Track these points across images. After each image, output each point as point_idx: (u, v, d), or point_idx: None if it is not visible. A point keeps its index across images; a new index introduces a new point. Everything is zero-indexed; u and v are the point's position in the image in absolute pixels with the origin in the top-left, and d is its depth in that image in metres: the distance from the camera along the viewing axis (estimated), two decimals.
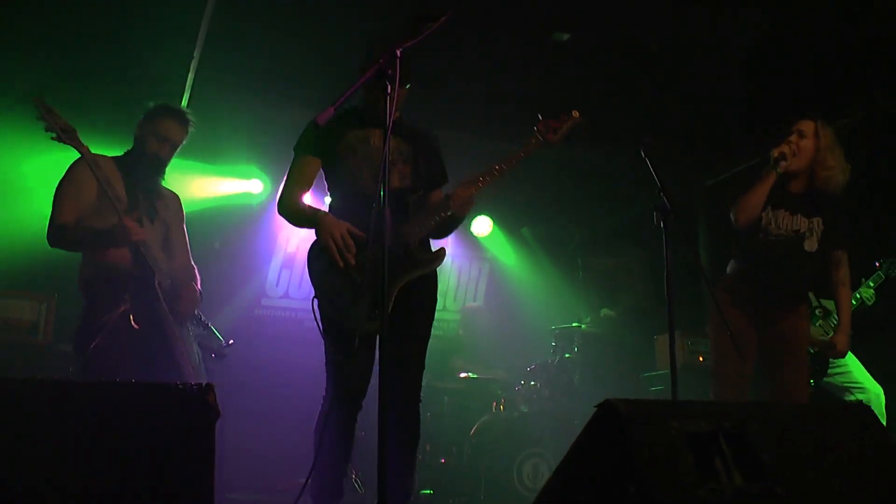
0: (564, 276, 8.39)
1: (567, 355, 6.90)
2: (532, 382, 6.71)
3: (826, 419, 2.42)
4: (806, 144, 4.22)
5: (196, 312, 3.93)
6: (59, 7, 4.78)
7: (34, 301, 4.98)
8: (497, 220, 8.49)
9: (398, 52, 2.76)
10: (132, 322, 3.40)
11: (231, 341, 4.23)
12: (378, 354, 2.66)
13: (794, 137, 4.23)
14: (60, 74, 5.01)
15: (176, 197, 4.13)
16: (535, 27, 5.65)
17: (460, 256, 8.68)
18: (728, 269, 4.37)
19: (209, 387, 1.92)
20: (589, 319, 7.36)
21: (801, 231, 4.22)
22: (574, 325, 7.12)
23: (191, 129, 4.00)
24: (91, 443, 1.87)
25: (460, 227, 3.75)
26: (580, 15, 5.51)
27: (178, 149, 3.98)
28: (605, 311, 7.88)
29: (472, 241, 8.60)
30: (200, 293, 3.93)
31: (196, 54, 5.16)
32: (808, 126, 4.28)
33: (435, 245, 3.60)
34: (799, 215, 4.21)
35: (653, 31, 5.71)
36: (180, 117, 3.97)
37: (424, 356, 3.54)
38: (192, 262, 4.09)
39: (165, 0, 4.73)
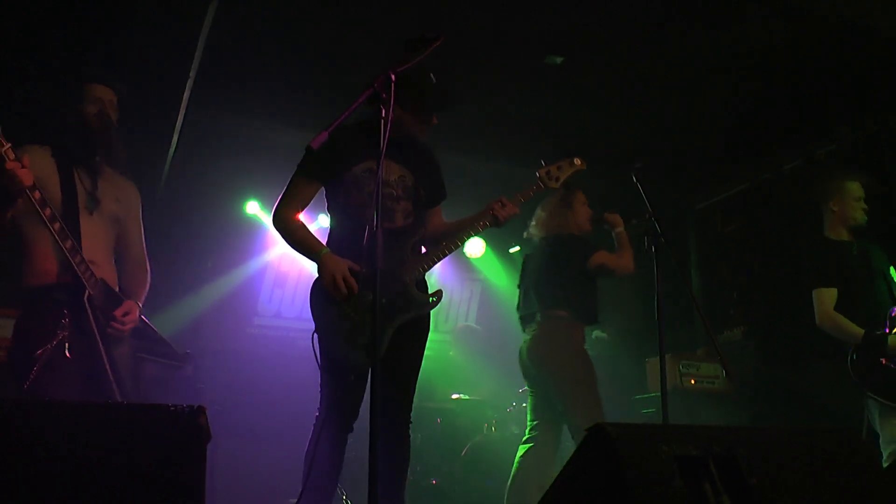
0: None
1: None
2: (524, 404, 6.69)
3: (815, 444, 2.42)
4: None
5: (140, 321, 3.48)
6: (49, 25, 4.78)
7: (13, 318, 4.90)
8: (489, 241, 8.50)
9: (392, 76, 2.78)
10: (66, 352, 3.05)
11: (188, 350, 3.80)
12: (370, 383, 2.70)
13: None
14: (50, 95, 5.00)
15: (131, 186, 3.67)
16: (528, 50, 5.69)
17: (452, 277, 8.68)
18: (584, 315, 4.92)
19: (200, 409, 1.92)
20: None
21: None
22: None
23: (119, 90, 3.52)
24: (80, 465, 1.86)
25: None
26: (573, 38, 5.56)
27: (115, 114, 3.49)
28: (596, 333, 7.86)
29: (465, 262, 8.61)
30: (140, 302, 3.52)
31: (192, 74, 5.17)
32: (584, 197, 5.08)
33: (432, 285, 3.62)
34: None
35: (646, 55, 5.76)
36: (110, 84, 3.52)
37: (415, 384, 3.58)
38: (146, 260, 3.68)
39: (162, 20, 4.74)
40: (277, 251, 7.54)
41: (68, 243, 3.11)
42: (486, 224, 3.54)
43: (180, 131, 5.73)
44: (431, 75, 3.44)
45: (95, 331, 3.12)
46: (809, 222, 6.70)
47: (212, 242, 6.95)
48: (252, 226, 7.22)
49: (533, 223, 5.10)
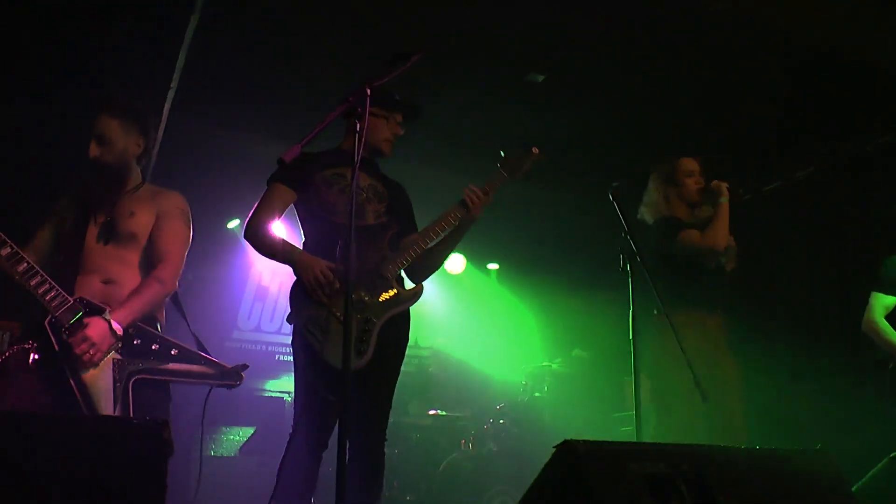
0: (537, 316, 8.40)
1: (537, 394, 6.89)
2: (501, 421, 6.68)
3: (785, 464, 2.42)
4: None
5: (131, 335, 3.18)
6: (30, 36, 4.76)
7: None
8: (470, 257, 8.50)
9: (368, 90, 2.78)
10: (29, 361, 2.96)
11: (246, 364, 3.40)
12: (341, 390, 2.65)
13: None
14: (31, 107, 4.96)
15: (156, 197, 3.49)
16: (509, 68, 5.71)
17: (433, 293, 8.66)
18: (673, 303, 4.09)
19: (164, 423, 1.89)
20: (560, 359, 7.35)
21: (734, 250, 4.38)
22: (545, 364, 7.13)
23: (132, 124, 3.40)
24: (40, 477, 1.83)
25: None
26: (554, 57, 5.59)
27: (126, 144, 3.38)
28: (576, 352, 7.87)
29: (445, 279, 8.60)
30: (114, 321, 3.12)
31: (173, 86, 5.15)
32: (695, 164, 4.46)
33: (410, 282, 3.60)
34: None
35: (626, 77, 5.79)
36: (114, 110, 3.38)
37: (392, 395, 3.52)
38: (162, 265, 3.36)
39: (143, 31, 4.72)
40: (259, 265, 7.51)
41: (32, 280, 3.04)
42: (458, 215, 3.50)
43: (160, 143, 5.68)
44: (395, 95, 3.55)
45: (58, 353, 2.99)
46: (789, 245, 6.79)
47: (191, 255, 6.89)
48: (233, 239, 7.19)
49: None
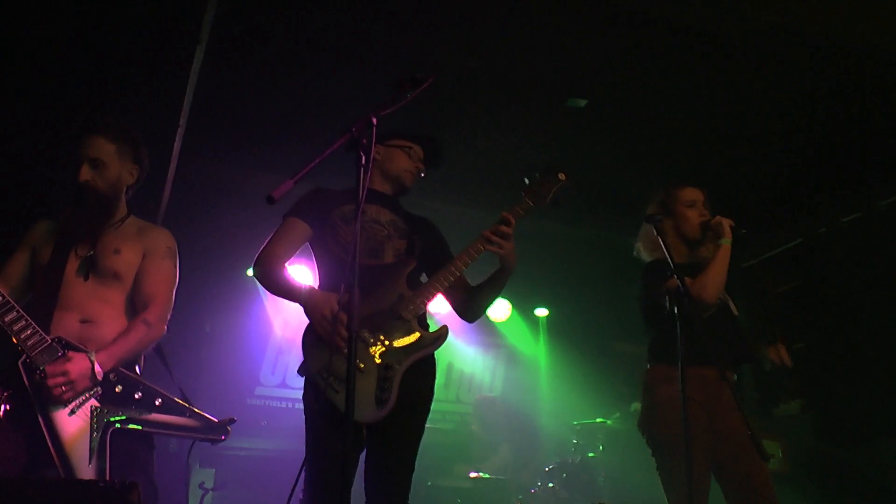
0: (589, 366, 8.24)
1: (591, 454, 6.76)
2: (550, 484, 6.56)
3: None
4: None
5: (112, 382, 3.16)
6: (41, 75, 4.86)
7: None
8: (515, 303, 8.41)
9: (373, 119, 2.74)
10: (2, 412, 2.91)
11: (233, 418, 3.40)
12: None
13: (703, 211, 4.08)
14: (33, 148, 5.06)
15: (150, 233, 3.54)
16: (549, 93, 5.67)
17: (475, 343, 8.57)
18: (662, 356, 3.96)
19: (133, 485, 1.85)
20: (617, 415, 7.20)
21: (723, 297, 3.98)
22: (599, 420, 7.00)
23: (129, 151, 3.42)
24: None
25: None
26: (599, 81, 5.53)
27: (120, 171, 3.39)
28: (635, 406, 7.70)
29: (489, 327, 8.51)
30: (97, 361, 3.12)
31: (182, 122, 5.21)
32: (699, 194, 4.14)
33: (433, 320, 3.51)
34: None
35: (682, 98, 5.71)
36: (110, 133, 3.37)
37: (417, 451, 3.40)
38: (147, 307, 3.38)
39: (150, 68, 4.79)
40: (282, 315, 7.51)
41: (6, 317, 3.05)
42: (481, 248, 3.36)
43: (173, 187, 5.75)
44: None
45: (31, 395, 2.97)
46: (872, 281, 6.57)
47: (210, 306, 6.93)
48: (253, 288, 7.21)
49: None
